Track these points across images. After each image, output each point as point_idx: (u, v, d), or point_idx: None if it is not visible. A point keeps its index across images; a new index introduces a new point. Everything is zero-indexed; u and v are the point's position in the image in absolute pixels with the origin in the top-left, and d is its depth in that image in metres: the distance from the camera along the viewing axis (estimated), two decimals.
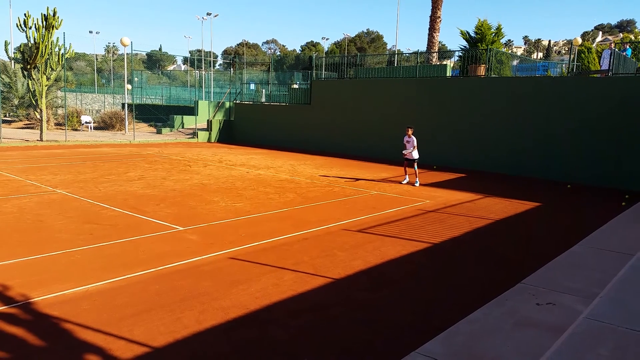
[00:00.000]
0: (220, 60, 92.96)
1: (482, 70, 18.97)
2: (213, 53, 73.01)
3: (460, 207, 10.87)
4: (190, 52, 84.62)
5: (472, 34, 22.28)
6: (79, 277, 5.69)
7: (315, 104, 23.89)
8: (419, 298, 5.60)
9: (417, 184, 13.58)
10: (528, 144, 16.72)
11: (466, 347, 4.15)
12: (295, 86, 30.62)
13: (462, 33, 22.75)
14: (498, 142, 17.52)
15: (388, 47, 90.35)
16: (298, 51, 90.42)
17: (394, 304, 5.36)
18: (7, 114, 33.59)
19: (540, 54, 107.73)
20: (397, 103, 20.61)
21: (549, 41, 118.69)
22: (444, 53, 36.31)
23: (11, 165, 14.63)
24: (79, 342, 4.21)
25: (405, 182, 13.85)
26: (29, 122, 32.38)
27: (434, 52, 27.39)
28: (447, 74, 21.70)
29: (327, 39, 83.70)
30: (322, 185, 13.12)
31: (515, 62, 30.47)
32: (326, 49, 79.38)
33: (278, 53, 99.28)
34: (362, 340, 4.50)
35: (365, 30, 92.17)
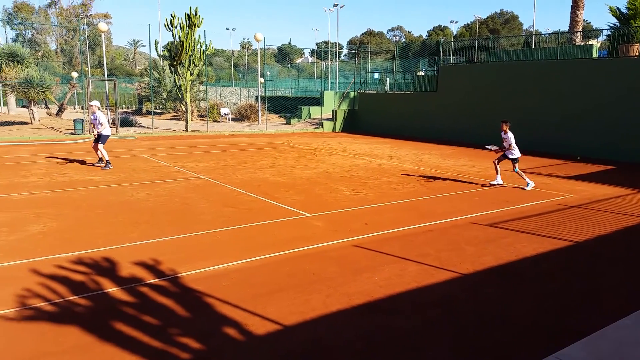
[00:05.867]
0: (345, 51, 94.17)
1: (636, 50, 16.77)
2: (338, 44, 74.19)
3: (607, 202, 9.79)
4: (317, 44, 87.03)
5: (624, 10, 19.75)
6: (219, 255, 6.22)
7: (442, 90, 23.12)
8: (557, 299, 5.17)
9: (529, 187, 10.84)
10: None
11: (613, 355, 3.75)
12: (421, 73, 29.86)
13: (611, 9, 20.28)
14: None
15: (524, 27, 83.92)
16: (424, 37, 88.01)
17: (527, 304, 5.02)
18: (158, 107, 37.64)
19: None
20: (534, 88, 19.12)
21: None
22: (590, 32, 32.79)
23: (162, 153, 16.40)
24: (219, 316, 4.60)
25: (495, 182, 11.32)
26: (175, 114, 35.98)
27: (577, 32, 24.85)
28: (594, 55, 19.54)
29: (455, 22, 79.95)
30: (449, 176, 12.70)
31: None
32: (455, 33, 76.16)
33: (403, 40, 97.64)
34: (492, 339, 4.29)
35: (498, 11, 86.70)
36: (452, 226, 7.85)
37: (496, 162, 11.41)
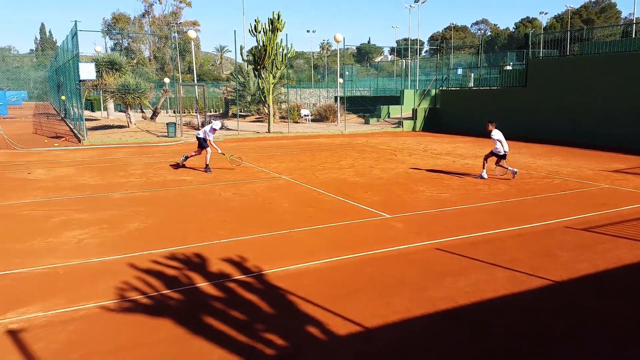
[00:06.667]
0: (426, 47, 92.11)
1: None
2: (419, 40, 72.70)
3: None
4: (397, 41, 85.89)
5: None
6: (300, 254, 6.33)
7: (532, 85, 21.90)
8: None
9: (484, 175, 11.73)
10: None
11: None
12: (509, 67, 28.48)
13: None
14: None
15: (622, 16, 77.30)
16: (511, 29, 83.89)
17: (628, 318, 4.61)
18: (242, 110, 39.07)
19: None
20: (633, 81, 17.55)
21: None
22: None
23: (246, 154, 16.99)
24: (302, 314, 4.68)
25: (482, 175, 11.82)
26: (258, 116, 37.15)
27: None
28: None
29: (545, 14, 75.46)
30: (540, 177, 12.00)
31: None
32: (544, 25, 71.85)
33: (488, 33, 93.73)
34: (587, 354, 3.98)
35: (592, 0, 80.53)
36: (544, 230, 7.41)
37: (485, 160, 11.90)
